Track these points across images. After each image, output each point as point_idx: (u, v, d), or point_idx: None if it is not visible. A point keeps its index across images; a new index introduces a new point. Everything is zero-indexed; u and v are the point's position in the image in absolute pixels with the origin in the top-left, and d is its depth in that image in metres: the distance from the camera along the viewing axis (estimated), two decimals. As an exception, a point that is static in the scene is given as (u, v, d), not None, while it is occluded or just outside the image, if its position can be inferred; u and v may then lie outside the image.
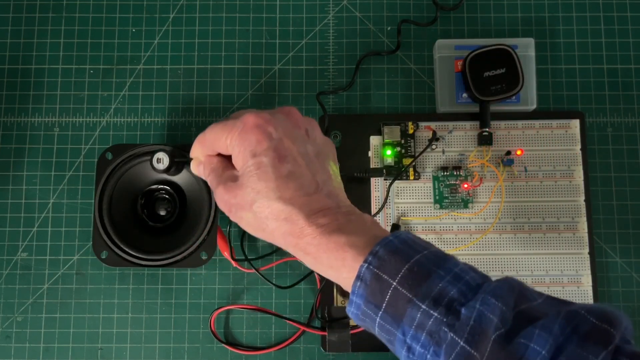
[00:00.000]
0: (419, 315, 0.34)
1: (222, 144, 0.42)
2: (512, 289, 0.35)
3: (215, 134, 0.43)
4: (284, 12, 0.61)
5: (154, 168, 0.49)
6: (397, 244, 0.37)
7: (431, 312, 0.34)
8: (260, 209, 0.40)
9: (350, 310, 0.38)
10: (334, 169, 0.44)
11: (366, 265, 0.36)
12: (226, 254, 0.55)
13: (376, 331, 0.37)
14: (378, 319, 0.36)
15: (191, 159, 0.47)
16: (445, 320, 0.34)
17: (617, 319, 0.33)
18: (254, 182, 0.40)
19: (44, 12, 0.61)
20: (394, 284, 0.35)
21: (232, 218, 0.42)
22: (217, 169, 0.44)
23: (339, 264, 0.38)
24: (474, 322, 0.33)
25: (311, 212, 0.39)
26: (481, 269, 0.54)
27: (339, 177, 0.44)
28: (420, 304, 0.34)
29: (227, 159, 0.44)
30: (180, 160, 0.50)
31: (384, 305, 0.35)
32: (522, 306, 0.35)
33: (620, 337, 0.33)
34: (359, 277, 0.36)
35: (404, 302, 0.35)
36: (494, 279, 0.37)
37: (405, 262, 0.36)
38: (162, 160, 0.49)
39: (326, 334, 0.53)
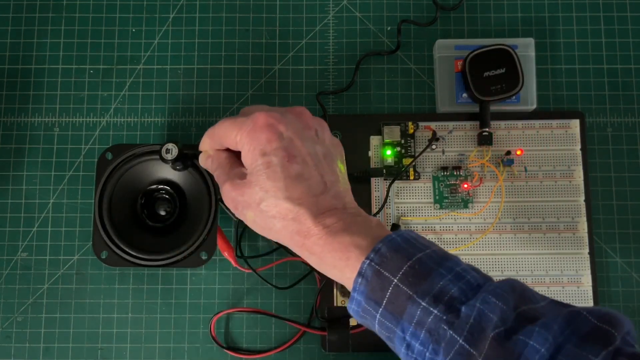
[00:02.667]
0: (418, 312, 0.34)
1: (232, 140, 0.42)
2: (514, 289, 0.35)
3: (225, 129, 0.43)
4: (284, 12, 0.61)
5: (162, 159, 0.49)
6: (400, 242, 0.37)
7: (431, 309, 0.34)
8: (267, 207, 0.40)
9: (351, 308, 0.38)
10: (341, 170, 0.44)
11: (368, 261, 0.36)
12: (226, 254, 0.55)
13: (376, 328, 0.37)
14: (378, 316, 0.36)
15: (200, 152, 0.47)
16: (444, 318, 0.34)
17: (619, 321, 0.33)
18: (262, 181, 0.40)
19: (44, 12, 0.61)
20: (395, 280, 0.35)
21: (238, 215, 0.42)
22: (224, 165, 0.44)
23: (342, 264, 0.38)
24: (474, 321, 0.33)
25: (318, 213, 0.39)
26: (481, 269, 0.54)
27: (347, 179, 0.44)
28: (420, 301, 0.34)
29: (235, 154, 0.44)
30: (189, 152, 0.50)
31: (384, 302, 0.35)
32: (523, 307, 0.35)
33: (621, 338, 0.33)
34: (360, 274, 0.37)
35: (404, 299, 0.35)
36: (495, 279, 0.37)
37: (407, 259, 0.36)
38: (171, 150, 0.49)
39: (326, 334, 0.53)
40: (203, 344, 0.55)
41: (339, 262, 0.38)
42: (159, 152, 0.49)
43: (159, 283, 0.56)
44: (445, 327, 0.33)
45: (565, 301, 0.54)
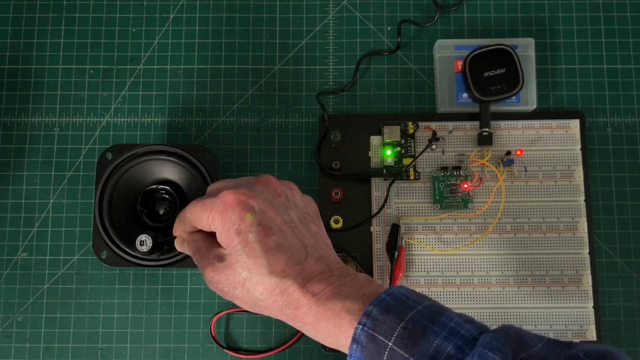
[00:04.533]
0: None
1: (204, 222, 0.42)
2: (509, 338, 0.34)
3: (195, 213, 0.42)
4: (284, 12, 0.61)
5: (138, 251, 0.49)
6: (391, 301, 0.37)
7: None
8: (253, 286, 0.39)
9: None
10: (319, 227, 0.44)
11: (360, 327, 0.36)
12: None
13: None
14: None
15: (174, 237, 0.46)
16: None
17: (617, 359, 0.33)
18: (243, 260, 0.39)
19: (44, 12, 0.61)
20: (390, 344, 0.35)
21: (225, 297, 0.42)
22: (201, 248, 0.43)
23: (336, 331, 0.38)
24: None
25: (305, 281, 0.39)
26: (481, 269, 0.55)
27: (326, 235, 0.44)
28: None
29: (210, 235, 0.43)
30: (164, 240, 0.50)
31: None
32: (522, 354, 0.34)
33: None
34: (354, 340, 0.36)
35: None
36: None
37: (400, 320, 0.35)
38: (145, 242, 0.49)
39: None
40: (203, 344, 0.56)
41: (333, 330, 0.38)
42: (133, 244, 0.49)
43: (159, 283, 0.57)
44: None
45: (565, 301, 0.54)
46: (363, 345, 0.36)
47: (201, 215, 0.42)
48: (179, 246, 0.46)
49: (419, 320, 0.35)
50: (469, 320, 0.37)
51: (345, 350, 0.37)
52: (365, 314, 0.36)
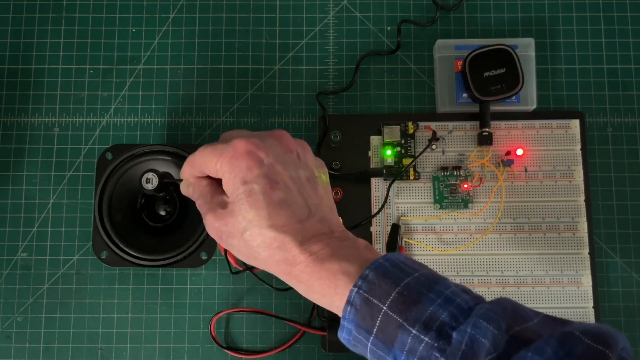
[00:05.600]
0: (409, 340, 0.34)
1: (212, 168, 0.41)
2: (505, 311, 0.34)
3: (205, 157, 0.42)
4: (284, 12, 0.61)
5: (143, 189, 0.48)
6: (388, 266, 0.36)
7: (422, 336, 0.33)
8: (251, 237, 0.39)
9: (342, 336, 0.37)
10: (326, 191, 0.43)
11: (356, 289, 0.36)
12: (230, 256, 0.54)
13: (368, 357, 0.37)
14: (369, 345, 0.35)
15: (181, 180, 0.46)
16: (436, 345, 0.33)
17: (613, 339, 0.33)
18: (245, 210, 0.39)
19: (44, 12, 0.61)
20: (384, 308, 0.35)
21: (222, 245, 0.42)
22: (205, 194, 0.43)
23: (331, 292, 0.37)
24: (466, 347, 0.32)
25: (304, 239, 0.38)
26: (481, 269, 0.55)
27: (332, 200, 0.44)
28: (411, 329, 0.34)
29: (216, 182, 0.43)
30: (170, 181, 0.49)
31: (375, 330, 0.35)
32: (516, 328, 0.34)
33: (617, 358, 0.32)
34: (349, 302, 0.36)
35: (395, 327, 0.34)
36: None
37: (396, 285, 0.35)
38: (151, 180, 0.48)
39: (326, 334, 0.53)
40: (203, 344, 0.56)
41: (328, 290, 0.38)
42: (139, 181, 0.49)
43: (159, 283, 0.57)
44: (437, 355, 0.33)
45: (565, 301, 0.54)
46: (357, 308, 0.36)
47: (210, 159, 0.41)
48: (184, 190, 0.46)
49: (414, 286, 0.35)
50: (465, 290, 0.36)
51: (339, 312, 0.37)
52: (362, 277, 0.36)
